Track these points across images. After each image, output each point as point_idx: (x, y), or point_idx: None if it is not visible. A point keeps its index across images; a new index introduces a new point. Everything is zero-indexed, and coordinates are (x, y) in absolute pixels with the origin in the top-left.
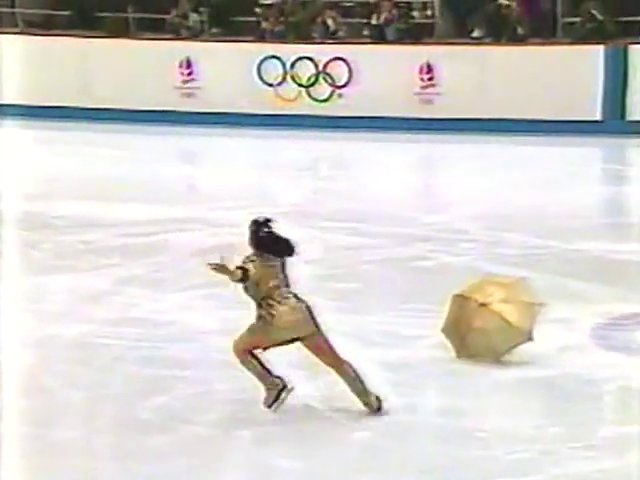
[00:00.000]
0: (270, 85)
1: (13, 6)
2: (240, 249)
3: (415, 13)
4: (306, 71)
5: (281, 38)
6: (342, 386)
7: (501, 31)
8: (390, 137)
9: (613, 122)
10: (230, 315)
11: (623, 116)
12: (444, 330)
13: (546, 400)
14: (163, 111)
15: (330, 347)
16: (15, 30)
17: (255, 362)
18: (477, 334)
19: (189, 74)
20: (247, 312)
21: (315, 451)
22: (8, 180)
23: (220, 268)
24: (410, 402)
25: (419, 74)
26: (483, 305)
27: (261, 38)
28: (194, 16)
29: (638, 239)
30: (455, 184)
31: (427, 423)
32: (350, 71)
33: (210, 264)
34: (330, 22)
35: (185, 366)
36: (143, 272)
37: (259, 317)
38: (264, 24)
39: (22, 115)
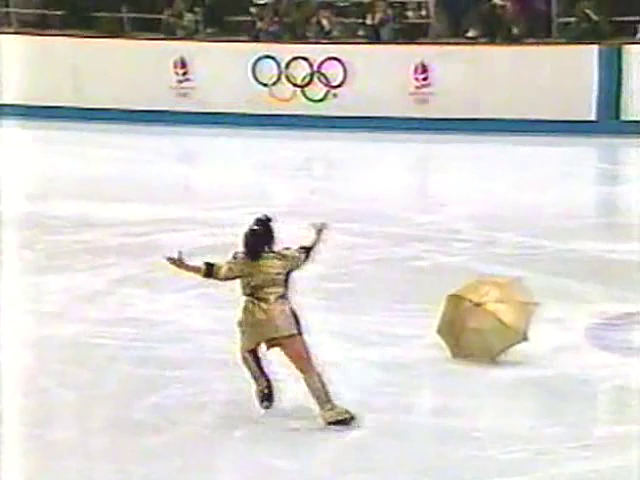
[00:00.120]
0: (265, 85)
1: (7, 6)
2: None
3: (410, 13)
4: (301, 71)
5: (276, 38)
6: (337, 386)
7: (496, 31)
8: (385, 137)
9: (608, 122)
10: (225, 315)
11: (617, 116)
12: (439, 330)
13: (541, 400)
14: (158, 111)
15: (307, 354)
16: (9, 30)
17: (251, 362)
18: (472, 334)
19: (184, 74)
20: None
21: (310, 451)
22: (3, 180)
23: (178, 264)
24: (405, 402)
25: (414, 74)
26: (478, 305)
27: (256, 38)
28: (189, 16)
29: (633, 239)
30: (450, 184)
31: (422, 423)
32: (345, 71)
33: (168, 259)
34: (325, 22)
35: (180, 366)
36: (138, 272)
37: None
38: (259, 24)
39: (16, 115)
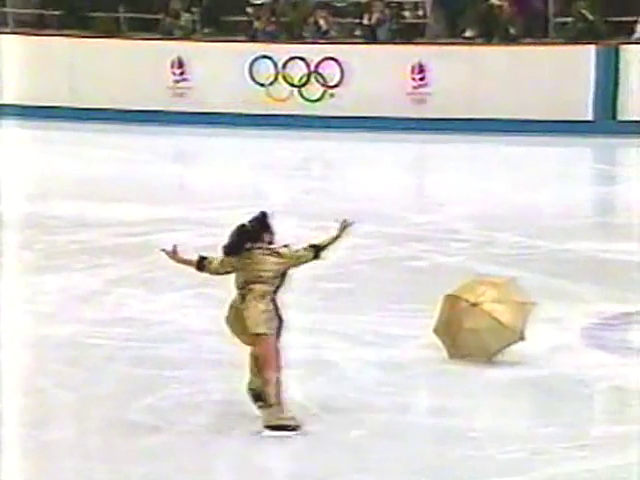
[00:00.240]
0: (262, 85)
1: (4, 5)
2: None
3: (406, 13)
4: (298, 71)
5: (273, 38)
6: (334, 386)
7: (493, 31)
8: (382, 137)
9: (604, 122)
10: (222, 315)
11: (614, 116)
12: (435, 330)
13: (538, 400)
14: (155, 111)
15: (272, 358)
16: (6, 30)
17: (250, 360)
18: (468, 334)
19: (181, 74)
20: None
21: (307, 451)
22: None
23: (172, 256)
24: (402, 402)
25: (411, 74)
26: (474, 305)
27: (253, 38)
28: (186, 16)
29: (630, 239)
30: (447, 184)
31: (419, 423)
32: (342, 71)
33: (163, 250)
34: (322, 22)
35: (177, 366)
36: (135, 272)
37: None
38: (256, 24)
39: (13, 115)
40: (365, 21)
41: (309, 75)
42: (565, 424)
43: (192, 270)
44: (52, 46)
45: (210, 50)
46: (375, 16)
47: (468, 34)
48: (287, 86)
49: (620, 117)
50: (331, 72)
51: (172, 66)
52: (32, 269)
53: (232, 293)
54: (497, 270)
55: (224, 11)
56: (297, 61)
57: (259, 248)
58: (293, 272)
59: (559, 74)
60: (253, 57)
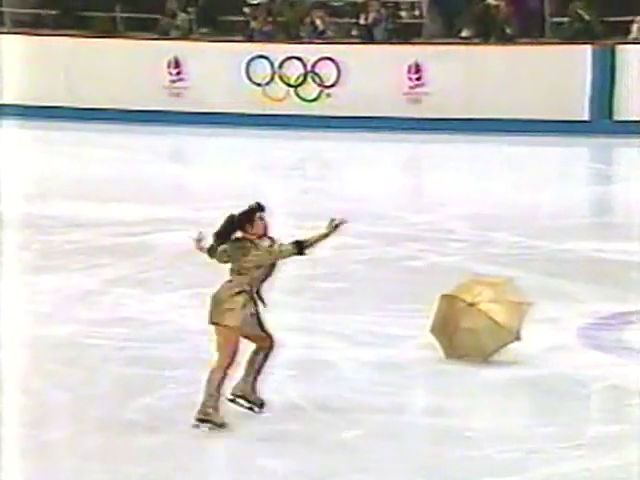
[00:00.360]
0: (258, 85)
1: (1, 5)
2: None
3: (403, 13)
4: (294, 71)
5: (269, 38)
6: (331, 386)
7: (489, 31)
8: (379, 137)
9: (601, 122)
10: None
11: (611, 116)
12: (432, 330)
13: (534, 400)
14: (151, 111)
15: (225, 350)
16: (3, 30)
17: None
18: (465, 334)
19: (177, 74)
20: None
21: (303, 451)
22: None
23: (197, 244)
24: (398, 402)
25: (407, 74)
26: (471, 305)
27: (249, 38)
28: (182, 16)
29: (627, 238)
30: (444, 184)
31: (416, 423)
32: (339, 71)
33: (192, 237)
34: (318, 22)
35: (174, 366)
36: (132, 272)
37: None
38: (252, 24)
39: (10, 115)
40: (362, 21)
41: (305, 75)
42: (562, 424)
43: (189, 270)
44: (49, 46)
45: (207, 50)
46: (372, 16)
47: (465, 34)
48: (284, 86)
49: (616, 117)
50: (328, 72)
51: (169, 66)
52: (30, 269)
53: None
54: (494, 270)
55: (221, 11)
56: (294, 61)
57: (245, 239)
58: (287, 272)
59: (555, 74)
60: (250, 57)
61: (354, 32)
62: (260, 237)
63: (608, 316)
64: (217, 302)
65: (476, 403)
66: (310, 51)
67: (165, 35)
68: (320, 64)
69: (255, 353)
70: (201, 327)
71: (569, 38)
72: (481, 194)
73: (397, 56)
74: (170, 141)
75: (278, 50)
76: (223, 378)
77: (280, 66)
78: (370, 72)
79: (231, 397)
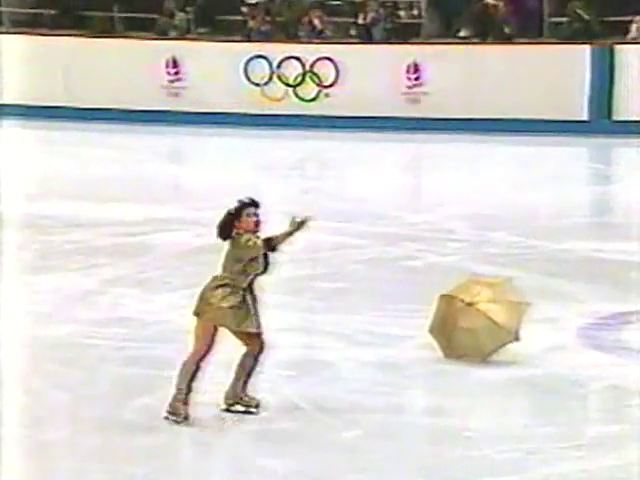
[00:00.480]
0: (257, 85)
1: None
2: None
3: (401, 13)
4: (293, 71)
5: (268, 38)
6: (329, 386)
7: (488, 31)
8: (377, 137)
9: (599, 122)
10: None
11: (609, 116)
12: (431, 330)
13: (533, 400)
14: (150, 111)
15: (197, 341)
16: (1, 29)
17: None
18: (464, 334)
19: (176, 73)
20: None
21: (302, 451)
22: None
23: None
24: (397, 402)
25: (406, 74)
26: (470, 305)
27: (248, 38)
28: (180, 15)
29: (625, 238)
30: (442, 184)
31: (414, 423)
32: (337, 71)
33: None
34: (317, 22)
35: (173, 366)
36: (130, 272)
37: None
38: (251, 23)
39: (9, 115)
40: (360, 21)
41: (304, 75)
42: (561, 424)
43: (188, 270)
44: (47, 46)
45: (205, 50)
46: (370, 16)
47: (463, 34)
48: (282, 86)
49: (615, 117)
50: (326, 72)
51: (167, 66)
52: (29, 269)
53: None
54: (492, 270)
55: (219, 11)
56: (292, 61)
57: (237, 234)
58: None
59: (554, 74)
60: (248, 57)
61: (352, 32)
62: (252, 233)
63: (607, 316)
64: (200, 295)
65: (475, 403)
66: (309, 51)
67: (163, 35)
68: (319, 64)
69: (245, 356)
70: None
71: (568, 38)
72: (480, 194)
73: (396, 56)
74: (168, 141)
75: (277, 50)
76: (195, 371)
77: (279, 66)
78: (369, 72)
79: (225, 407)
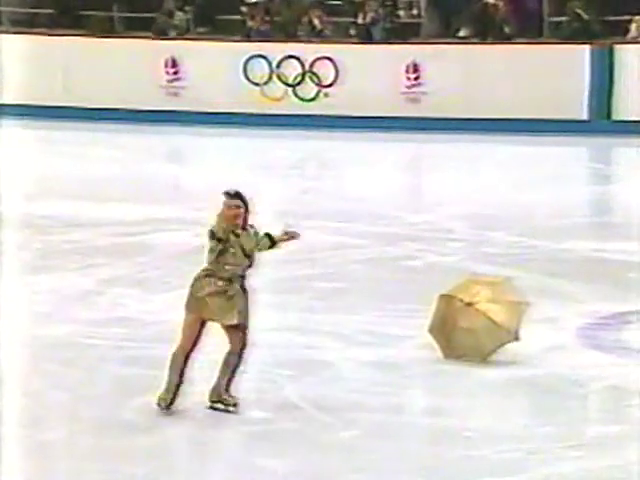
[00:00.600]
0: (256, 84)
1: None
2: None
3: (401, 12)
4: (292, 70)
5: (267, 37)
6: (329, 386)
7: (487, 30)
8: (377, 136)
9: (599, 122)
10: None
11: (609, 116)
12: (430, 330)
13: (533, 400)
14: (149, 110)
15: (182, 333)
16: (1, 29)
17: None
18: (463, 334)
19: (175, 73)
20: None
21: (301, 451)
22: None
23: None
24: (396, 402)
25: (405, 73)
26: (469, 305)
27: (247, 37)
28: (180, 15)
29: (626, 238)
30: (442, 183)
31: (414, 423)
32: (336, 70)
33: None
34: (316, 21)
35: None
36: (129, 272)
37: None
38: (250, 23)
39: (8, 115)
40: (359, 20)
41: (303, 74)
42: (561, 424)
43: (187, 270)
44: (46, 45)
45: (204, 49)
46: (369, 15)
47: (462, 33)
48: (282, 85)
49: (615, 117)
50: (326, 71)
51: (166, 65)
52: (29, 269)
53: None
54: (492, 270)
55: (218, 10)
56: (291, 60)
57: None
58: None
59: (554, 74)
60: (247, 56)
61: (352, 31)
62: (233, 225)
63: (607, 316)
64: (189, 289)
65: (475, 403)
66: (308, 50)
67: (162, 34)
68: (318, 63)
69: (229, 354)
70: None
71: (567, 37)
72: (479, 194)
73: (395, 55)
74: (167, 141)
75: (276, 49)
76: (184, 362)
77: (278, 65)
78: (368, 71)
79: (209, 404)
